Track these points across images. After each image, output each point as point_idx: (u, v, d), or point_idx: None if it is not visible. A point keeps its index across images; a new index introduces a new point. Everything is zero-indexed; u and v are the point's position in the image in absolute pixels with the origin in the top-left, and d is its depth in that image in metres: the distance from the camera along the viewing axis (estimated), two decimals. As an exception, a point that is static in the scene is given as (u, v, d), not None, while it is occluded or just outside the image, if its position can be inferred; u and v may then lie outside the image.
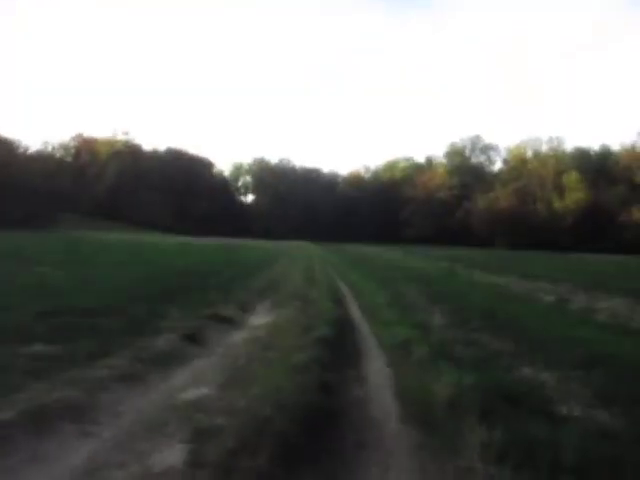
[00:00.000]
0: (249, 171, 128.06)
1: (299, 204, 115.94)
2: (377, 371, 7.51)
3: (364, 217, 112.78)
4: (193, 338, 8.29)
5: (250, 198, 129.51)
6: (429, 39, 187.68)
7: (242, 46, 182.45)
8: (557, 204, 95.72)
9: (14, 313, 8.27)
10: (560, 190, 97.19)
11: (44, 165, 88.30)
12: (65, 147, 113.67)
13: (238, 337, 9.08)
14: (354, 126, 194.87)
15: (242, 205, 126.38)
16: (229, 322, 10.15)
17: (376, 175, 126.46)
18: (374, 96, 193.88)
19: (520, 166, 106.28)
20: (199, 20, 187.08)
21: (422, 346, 8.65)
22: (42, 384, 5.25)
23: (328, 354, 7.37)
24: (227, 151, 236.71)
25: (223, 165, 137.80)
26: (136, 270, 17.14)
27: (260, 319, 11.03)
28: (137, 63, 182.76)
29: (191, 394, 5.56)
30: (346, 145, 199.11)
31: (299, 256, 39.14)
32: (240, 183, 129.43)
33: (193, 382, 6.08)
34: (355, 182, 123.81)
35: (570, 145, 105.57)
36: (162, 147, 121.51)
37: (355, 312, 13.43)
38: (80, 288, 11.90)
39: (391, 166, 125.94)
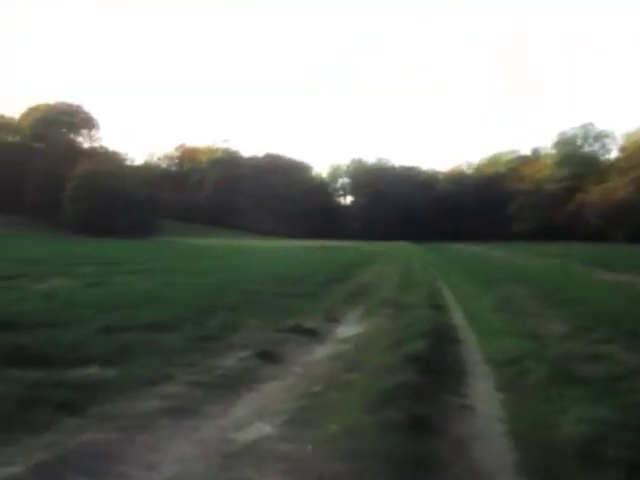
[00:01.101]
0: (347, 172, 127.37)
1: (398, 204, 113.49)
2: (485, 397, 6.14)
3: (466, 214, 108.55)
4: (268, 355, 7.29)
5: (348, 199, 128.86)
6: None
7: (336, 48, 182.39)
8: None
9: (76, 329, 7.64)
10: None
11: (149, 175, 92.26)
12: (169, 157, 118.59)
13: (320, 353, 7.99)
14: (453, 122, 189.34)
15: (340, 206, 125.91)
16: (312, 334, 9.08)
17: (478, 170, 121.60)
18: (473, 92, 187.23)
19: (639, 152, 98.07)
20: (289, 21, 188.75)
21: (539, 363, 7.18)
22: (72, 422, 4.41)
23: (423, 375, 6.12)
24: (325, 154, 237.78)
25: (321, 168, 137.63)
26: (221, 277, 16.56)
27: (348, 330, 9.90)
28: (234, 73, 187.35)
29: (249, 434, 4.51)
30: (446, 142, 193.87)
31: (397, 257, 37.66)
32: (338, 185, 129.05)
33: (256, 415, 5.05)
34: (456, 178, 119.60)
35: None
36: (260, 153, 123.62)
37: (457, 319, 11.98)
38: (156, 298, 11.28)
39: (495, 160, 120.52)
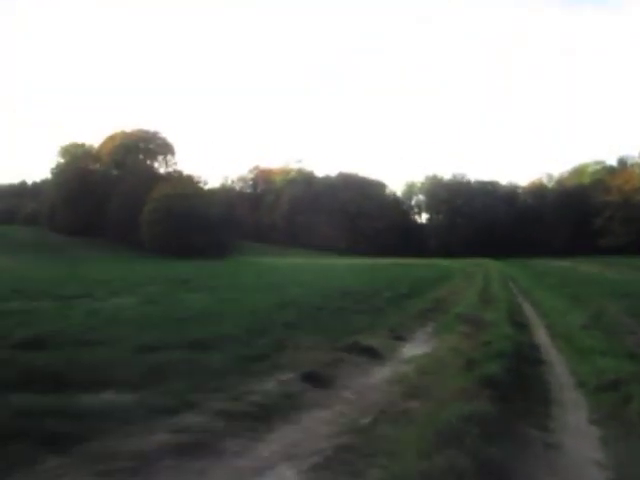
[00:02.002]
0: (422, 189, 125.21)
1: (476, 219, 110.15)
2: (576, 433, 4.92)
3: (550, 229, 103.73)
4: (316, 378, 6.31)
5: (424, 216, 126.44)
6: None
7: (415, 65, 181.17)
8: None
9: (108, 348, 6.96)
10: None
11: (224, 196, 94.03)
12: (243, 179, 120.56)
13: (378, 376, 6.92)
14: (531, 134, 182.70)
15: (416, 224, 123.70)
16: (372, 354, 8.02)
17: (560, 182, 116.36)
18: (546, 101, 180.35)
19: None
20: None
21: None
22: (51, 461, 3.60)
23: (499, 404, 4.96)
24: (399, 171, 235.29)
25: (395, 185, 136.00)
26: (285, 294, 15.71)
27: (414, 350, 8.76)
28: (305, 95, 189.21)
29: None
30: (524, 154, 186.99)
31: (476, 273, 35.71)
32: (413, 202, 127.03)
33: (283, 455, 4.09)
34: (537, 191, 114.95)
35: None
36: (334, 172, 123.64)
37: (542, 337, 10.59)
38: (210, 315, 10.56)
39: (578, 172, 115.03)
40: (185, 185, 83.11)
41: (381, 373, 7.05)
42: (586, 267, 44.55)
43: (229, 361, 6.81)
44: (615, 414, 5.22)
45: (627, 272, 36.28)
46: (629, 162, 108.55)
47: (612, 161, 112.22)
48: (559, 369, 7.68)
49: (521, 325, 11.73)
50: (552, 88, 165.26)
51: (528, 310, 15.67)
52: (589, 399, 5.95)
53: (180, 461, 3.79)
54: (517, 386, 5.99)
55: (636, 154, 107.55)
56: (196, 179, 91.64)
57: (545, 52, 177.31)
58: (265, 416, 4.95)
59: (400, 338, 9.72)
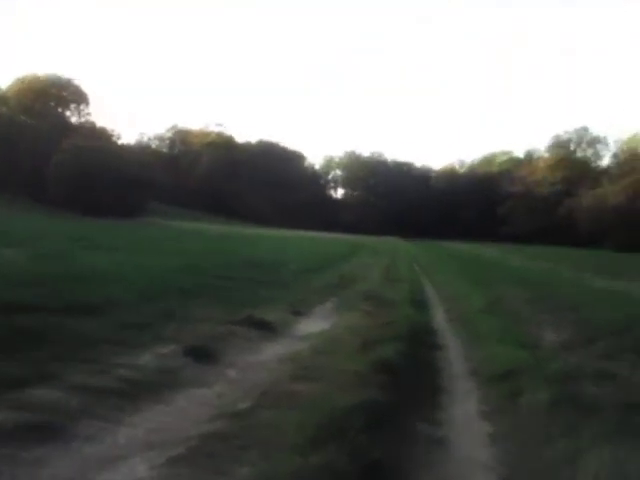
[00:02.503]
0: (340, 164, 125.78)
1: (390, 199, 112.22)
2: (466, 428, 4.74)
3: (458, 213, 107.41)
4: (200, 352, 5.82)
5: (340, 192, 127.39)
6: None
7: (334, 44, 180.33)
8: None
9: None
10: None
11: (138, 154, 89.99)
12: (160, 138, 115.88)
13: (269, 353, 6.52)
14: (447, 121, 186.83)
15: (332, 199, 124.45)
16: (268, 329, 7.61)
17: (472, 169, 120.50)
18: (467, 90, 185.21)
19: (632, 160, 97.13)
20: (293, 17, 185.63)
21: (537, 381, 5.77)
22: None
23: (390, 392, 4.68)
24: (318, 146, 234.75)
25: (314, 158, 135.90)
26: (192, 260, 14.95)
27: (313, 326, 8.44)
28: (226, 60, 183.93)
29: None
30: (440, 140, 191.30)
31: (384, 251, 36.18)
32: (331, 176, 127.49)
33: (142, 444, 3.58)
34: (449, 176, 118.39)
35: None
36: (254, 140, 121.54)
37: (441, 321, 10.58)
38: (104, 277, 9.72)
39: (488, 160, 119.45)
40: (97, 138, 78.51)
41: (273, 350, 6.65)
42: (489, 252, 46.31)
43: (108, 328, 6.20)
44: (505, 408, 5.10)
45: (526, 259, 37.97)
46: (535, 155, 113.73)
47: (520, 153, 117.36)
48: (454, 355, 7.60)
49: (422, 306, 11.74)
50: (474, 78, 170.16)
51: (430, 291, 15.83)
52: (481, 389, 5.84)
53: (13, 448, 3.20)
54: (411, 372, 5.77)
55: (542, 148, 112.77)
56: (110, 132, 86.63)
57: (457, 41, 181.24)
58: (133, 394, 4.42)
59: (300, 313, 9.38)
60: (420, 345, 7.39)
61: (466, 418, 4.95)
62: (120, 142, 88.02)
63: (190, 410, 4.31)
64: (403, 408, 4.66)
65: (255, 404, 4.39)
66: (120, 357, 5.28)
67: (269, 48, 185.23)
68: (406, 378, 5.43)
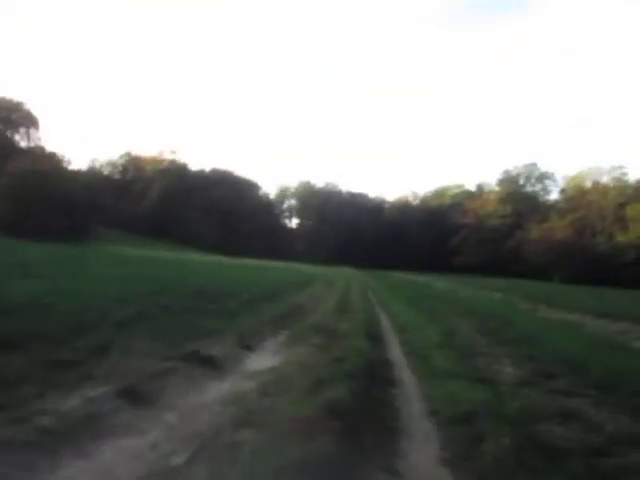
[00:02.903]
0: (294, 194, 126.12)
1: (344, 229, 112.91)
2: (426, 478, 4.29)
3: (411, 244, 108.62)
4: (137, 394, 5.25)
5: (295, 222, 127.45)
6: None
7: (288, 66, 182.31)
8: (620, 237, 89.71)
9: None
10: (622, 223, 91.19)
11: (89, 179, 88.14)
12: (113, 164, 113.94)
13: (213, 394, 5.96)
14: (401, 154, 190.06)
15: (286, 228, 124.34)
16: (212, 366, 7.05)
17: (424, 201, 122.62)
18: (421, 125, 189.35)
19: (579, 196, 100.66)
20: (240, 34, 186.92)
21: (497, 422, 5.42)
22: None
23: (343, 439, 4.24)
24: (273, 175, 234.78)
25: (269, 188, 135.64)
26: (132, 288, 14.19)
27: (262, 362, 7.91)
28: (179, 85, 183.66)
29: None
30: (393, 173, 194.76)
31: (338, 281, 35.86)
32: (285, 206, 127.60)
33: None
34: (402, 207, 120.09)
35: (633, 176, 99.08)
36: (207, 168, 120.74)
37: (396, 355, 10.19)
38: (35, 306, 8.92)
39: (440, 193, 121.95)
40: (45, 162, 76.41)
41: (218, 390, 6.09)
42: (441, 283, 46.58)
43: (30, 367, 5.54)
44: (468, 454, 4.69)
45: (478, 290, 38.29)
46: (486, 189, 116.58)
47: (471, 186, 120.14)
48: (412, 392, 7.19)
49: (377, 339, 11.34)
50: (423, 110, 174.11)
51: (385, 323, 15.49)
52: (441, 432, 5.43)
53: None
54: (366, 414, 5.32)
55: (493, 182, 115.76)
56: (59, 157, 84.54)
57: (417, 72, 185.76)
58: (51, 448, 3.82)
59: (249, 347, 8.83)
60: (375, 382, 6.97)
61: (427, 466, 4.53)
62: (70, 167, 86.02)
63: (115, 466, 3.74)
64: (358, 457, 4.21)
65: (192, 458, 3.86)
66: (41, 401, 4.65)
67: (224, 73, 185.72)
68: (360, 421, 4.98)
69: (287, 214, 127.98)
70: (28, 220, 65.43)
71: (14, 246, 40.55)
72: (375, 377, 7.20)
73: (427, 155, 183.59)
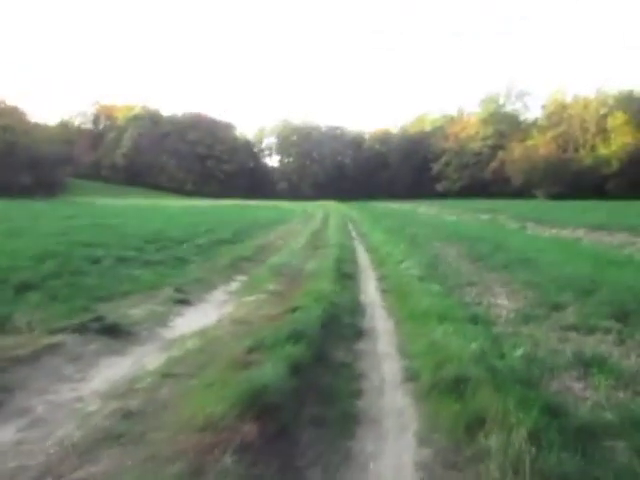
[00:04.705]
0: (273, 132, 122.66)
1: (325, 163, 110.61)
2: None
3: (393, 173, 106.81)
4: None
5: (275, 159, 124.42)
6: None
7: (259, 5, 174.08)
8: (602, 150, 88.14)
9: None
10: (605, 135, 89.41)
11: (60, 132, 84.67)
12: (83, 114, 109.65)
13: (101, 379, 4.27)
14: (380, 83, 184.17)
15: (266, 167, 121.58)
16: (119, 335, 5.33)
17: (404, 129, 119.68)
18: (397, 50, 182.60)
19: (560, 111, 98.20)
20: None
21: (499, 394, 3.80)
22: None
23: (269, 450, 2.57)
24: (250, 116, 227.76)
25: (246, 129, 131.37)
26: (71, 239, 12.36)
27: (193, 321, 6.23)
28: (152, 28, 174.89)
29: None
30: (372, 105, 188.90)
31: (316, 215, 34.10)
32: (264, 144, 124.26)
33: None
34: (382, 137, 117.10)
35: (614, 87, 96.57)
36: (181, 112, 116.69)
37: (372, 293, 8.59)
38: None
39: (420, 119, 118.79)
40: (8, 116, 72.72)
41: (111, 372, 4.41)
42: (424, 209, 45.02)
43: None
44: (459, 451, 3.09)
45: (462, 214, 36.74)
46: (466, 112, 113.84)
47: (453, 111, 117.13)
48: (384, 346, 5.59)
49: (349, 276, 9.74)
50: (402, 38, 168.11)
51: (362, 256, 13.88)
52: (420, 412, 3.83)
53: None
54: (310, 397, 3.69)
55: (474, 107, 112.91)
56: (22, 111, 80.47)
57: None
58: None
59: (185, 302, 7.15)
60: (334, 338, 5.34)
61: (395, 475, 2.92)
62: (33, 121, 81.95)
63: None
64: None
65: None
66: None
67: (198, 13, 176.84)
68: (297, 420, 3.34)
69: (267, 152, 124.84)
70: (-6, 177, 62.84)
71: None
72: (336, 330, 5.59)
73: (406, 86, 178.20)
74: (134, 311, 6.19)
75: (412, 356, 5.06)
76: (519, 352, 5.14)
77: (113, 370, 4.43)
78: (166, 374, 4.09)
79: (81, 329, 5.19)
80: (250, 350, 4.44)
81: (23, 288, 6.76)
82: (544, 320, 6.56)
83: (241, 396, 3.30)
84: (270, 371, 3.68)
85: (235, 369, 3.97)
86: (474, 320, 6.42)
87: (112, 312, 5.97)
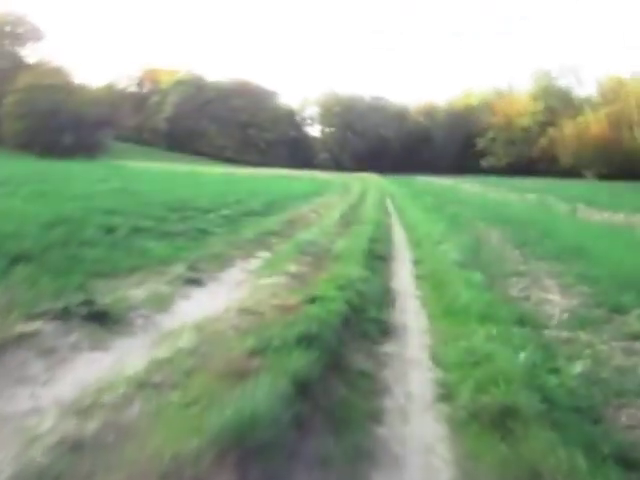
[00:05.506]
0: (316, 102, 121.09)
1: (368, 135, 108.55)
2: None
3: (438, 147, 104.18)
4: None
5: (316, 129, 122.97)
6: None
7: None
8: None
9: None
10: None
11: (105, 94, 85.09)
12: (128, 77, 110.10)
13: (72, 382, 3.54)
14: (428, 58, 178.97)
15: (308, 137, 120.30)
16: (107, 323, 4.64)
17: (450, 104, 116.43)
18: (450, 27, 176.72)
19: (616, 88, 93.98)
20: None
21: (559, 431, 2.99)
22: None
23: None
24: (294, 85, 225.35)
25: (290, 98, 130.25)
26: (94, 205, 11.80)
27: (198, 308, 5.49)
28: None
29: None
30: (421, 79, 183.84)
31: (355, 188, 33.07)
32: (307, 114, 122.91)
33: None
34: (428, 111, 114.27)
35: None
36: (226, 79, 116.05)
37: (404, 281, 7.74)
38: None
39: (468, 94, 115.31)
40: (54, 76, 73.24)
41: (84, 373, 3.68)
42: (468, 186, 43.47)
43: None
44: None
45: (508, 193, 35.22)
46: (516, 87, 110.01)
47: (502, 86, 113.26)
48: (414, 351, 4.79)
49: (381, 258, 8.91)
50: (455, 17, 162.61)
51: (398, 235, 13.03)
52: (455, 452, 3.02)
53: None
54: (315, 422, 2.92)
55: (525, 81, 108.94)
56: (67, 71, 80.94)
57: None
58: None
59: (195, 282, 6.44)
60: (357, 335, 4.56)
61: None
62: (78, 82, 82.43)
63: None
64: None
65: None
66: None
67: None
68: (298, 447, 2.58)
69: (309, 122, 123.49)
70: (39, 137, 63.62)
71: (19, 164, 38.49)
72: (359, 327, 4.79)
73: (455, 61, 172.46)
74: (134, 292, 5.51)
75: (447, 366, 4.23)
76: (577, 368, 4.28)
77: (87, 371, 3.71)
78: (144, 383, 3.36)
79: (64, 315, 4.50)
80: (252, 353, 3.68)
81: (18, 259, 6.13)
82: (604, 324, 5.64)
83: (224, 428, 2.55)
84: (267, 390, 2.91)
85: (228, 380, 3.22)
86: (521, 321, 5.56)
87: (109, 293, 5.29)
